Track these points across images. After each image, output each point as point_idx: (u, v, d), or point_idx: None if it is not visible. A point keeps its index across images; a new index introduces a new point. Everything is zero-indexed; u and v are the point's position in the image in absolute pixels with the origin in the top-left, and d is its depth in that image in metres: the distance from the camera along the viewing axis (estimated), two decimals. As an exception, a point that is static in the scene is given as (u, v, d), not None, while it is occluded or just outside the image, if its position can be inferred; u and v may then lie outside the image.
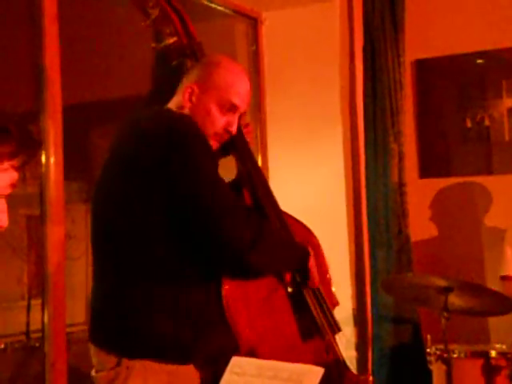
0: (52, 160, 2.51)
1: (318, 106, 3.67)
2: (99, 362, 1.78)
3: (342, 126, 3.65)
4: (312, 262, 2.01)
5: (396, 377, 3.42)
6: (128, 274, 1.77)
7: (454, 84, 3.75)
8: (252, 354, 1.90)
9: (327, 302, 2.13)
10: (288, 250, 1.96)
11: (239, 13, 3.70)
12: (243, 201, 2.01)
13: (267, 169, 3.76)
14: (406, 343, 3.43)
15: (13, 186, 1.05)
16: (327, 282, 2.23)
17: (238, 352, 1.85)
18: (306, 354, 2.05)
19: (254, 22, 3.80)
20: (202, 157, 1.75)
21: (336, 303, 2.22)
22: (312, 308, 2.09)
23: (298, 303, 2.06)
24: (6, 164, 1.02)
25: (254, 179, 2.07)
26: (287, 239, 2.00)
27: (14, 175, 1.04)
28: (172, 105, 1.93)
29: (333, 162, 3.64)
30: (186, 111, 1.88)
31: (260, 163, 3.74)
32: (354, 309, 3.62)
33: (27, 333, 3.56)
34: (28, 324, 3.46)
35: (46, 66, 2.53)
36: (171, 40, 2.03)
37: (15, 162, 1.03)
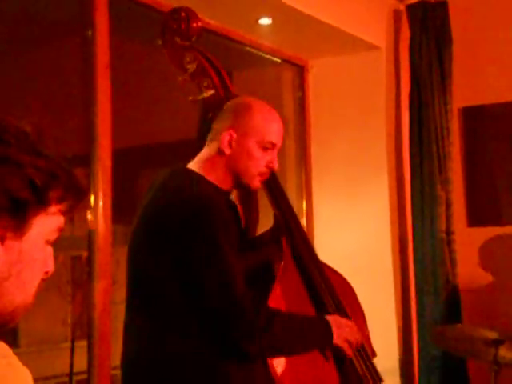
0: (100, 204, 2.55)
1: (364, 154, 3.66)
2: None
3: (388, 173, 3.63)
4: (342, 334, 1.97)
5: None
6: (156, 335, 1.80)
7: (504, 131, 3.70)
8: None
9: (369, 354, 2.09)
10: (302, 336, 1.92)
11: (286, 61, 3.75)
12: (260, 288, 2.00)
13: (312, 217, 3.74)
14: (455, 397, 3.34)
15: (60, 230, 1.06)
16: (366, 334, 2.19)
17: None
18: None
19: (300, 70, 3.84)
20: (221, 246, 1.76)
21: (374, 354, 2.17)
22: (354, 359, 2.05)
23: (341, 355, 2.03)
24: (54, 208, 1.04)
25: (291, 225, 2.08)
26: (302, 324, 1.94)
27: (61, 220, 1.06)
28: (209, 152, 1.94)
29: (379, 210, 3.61)
30: (227, 158, 1.91)
31: (305, 211, 3.74)
32: (400, 360, 3.54)
33: (70, 374, 3.57)
34: (71, 366, 3.48)
35: (98, 112, 2.59)
36: (209, 93, 2.07)
37: (62, 207, 1.05)
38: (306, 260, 2.10)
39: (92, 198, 2.55)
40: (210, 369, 1.78)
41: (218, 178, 1.90)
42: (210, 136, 1.96)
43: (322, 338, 1.94)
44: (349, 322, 2.03)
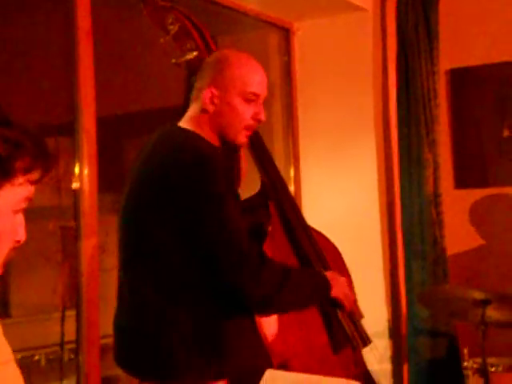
0: (86, 172, 2.53)
1: (351, 117, 3.64)
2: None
3: (376, 136, 3.62)
4: (340, 288, 1.98)
5: (433, 391, 3.37)
6: (154, 295, 1.77)
7: (491, 93, 3.68)
8: (284, 367, 1.88)
9: (357, 314, 2.11)
10: (305, 290, 1.91)
11: (271, 23, 3.70)
12: (261, 240, 1.99)
13: (299, 180, 3.73)
14: (443, 357, 3.37)
15: (28, 199, 1.05)
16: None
17: (270, 366, 1.84)
18: (336, 366, 2.04)
19: (286, 33, 3.79)
20: (224, 198, 1.75)
21: (361, 316, 2.19)
22: (342, 320, 2.06)
23: (328, 315, 2.04)
24: (21, 179, 1.02)
25: (278, 190, 2.08)
26: (306, 276, 1.95)
27: (29, 189, 1.04)
28: (194, 112, 1.91)
29: (366, 173, 3.60)
30: (210, 115, 1.88)
31: (292, 174, 3.73)
32: (389, 321, 3.56)
33: (61, 344, 3.57)
34: (62, 335, 3.47)
35: (80, 79, 2.55)
36: (192, 55, 2.03)
37: (31, 177, 1.03)
38: (293, 223, 2.10)
39: (77, 167, 2.53)
40: (207, 330, 1.76)
41: (206, 135, 1.88)
42: (192, 96, 1.93)
43: (321, 288, 1.94)
44: (345, 279, 2.04)
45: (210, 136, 1.88)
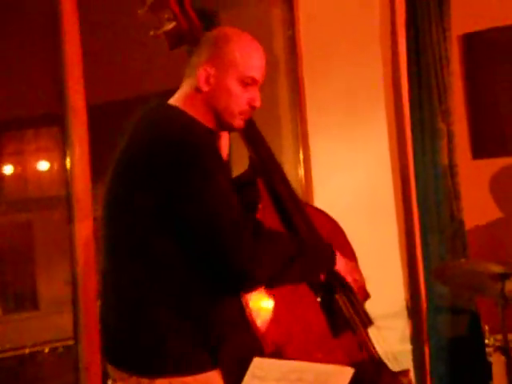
0: (78, 160, 2.45)
1: (360, 88, 3.50)
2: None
3: (386, 107, 3.48)
4: (340, 262, 1.88)
5: (454, 370, 3.25)
6: (137, 283, 1.67)
7: (507, 57, 3.53)
8: (279, 353, 1.77)
9: (357, 296, 1.98)
10: (305, 263, 1.80)
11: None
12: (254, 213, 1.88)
13: (309, 157, 3.61)
14: (464, 334, 3.26)
15: None
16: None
17: (262, 353, 1.73)
18: (338, 351, 1.91)
19: (289, 6, 3.65)
20: (214, 175, 1.65)
21: (367, 296, 2.07)
22: (341, 302, 1.94)
23: (325, 297, 1.92)
24: None
25: (267, 166, 1.95)
26: (304, 249, 1.83)
27: None
28: (187, 89, 1.79)
29: (378, 147, 3.47)
30: (204, 95, 1.76)
31: (301, 151, 3.61)
32: (407, 300, 3.45)
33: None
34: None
35: (67, 65, 2.46)
36: (170, 26, 1.90)
37: None
38: (285, 201, 1.97)
39: (68, 155, 2.45)
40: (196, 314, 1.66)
41: (199, 115, 1.75)
42: (187, 71, 1.81)
43: (324, 259, 1.85)
44: (348, 260, 1.95)
45: (204, 117, 1.76)
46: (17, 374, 3.75)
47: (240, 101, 1.77)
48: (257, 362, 1.33)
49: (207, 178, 1.63)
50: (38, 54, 2.66)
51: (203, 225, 1.63)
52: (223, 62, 1.76)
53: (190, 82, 1.78)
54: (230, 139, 1.92)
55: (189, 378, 1.63)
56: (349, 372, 1.23)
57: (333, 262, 1.87)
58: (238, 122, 1.79)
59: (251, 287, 1.71)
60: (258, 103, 1.80)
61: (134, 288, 1.67)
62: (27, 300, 4.32)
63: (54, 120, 2.57)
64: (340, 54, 3.54)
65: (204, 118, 1.76)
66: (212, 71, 1.75)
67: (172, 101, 1.80)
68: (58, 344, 3.38)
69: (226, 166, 1.76)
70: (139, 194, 1.66)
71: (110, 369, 1.71)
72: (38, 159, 3.83)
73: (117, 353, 1.70)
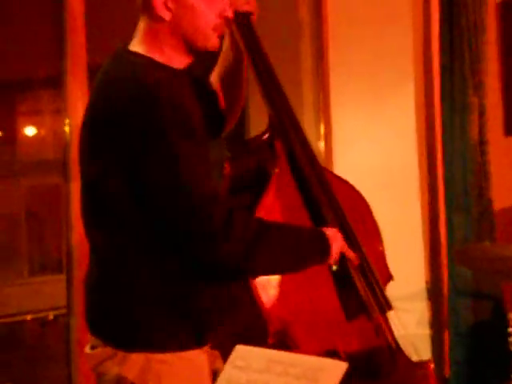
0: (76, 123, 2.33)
1: (388, 57, 3.31)
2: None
3: (415, 77, 3.31)
4: (338, 243, 1.68)
5: (474, 357, 3.13)
6: (113, 251, 1.53)
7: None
8: (284, 334, 1.64)
9: (376, 277, 1.82)
10: (291, 248, 1.58)
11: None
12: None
13: (330, 131, 3.45)
14: (486, 321, 3.13)
15: None
16: (379, 254, 1.92)
17: (265, 331, 1.60)
18: (351, 335, 1.78)
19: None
20: (171, 137, 1.45)
21: (389, 278, 1.92)
22: (357, 283, 1.78)
23: (340, 276, 1.76)
24: None
25: (286, 127, 1.79)
26: (291, 234, 1.61)
27: None
28: (145, 26, 1.57)
29: (404, 119, 3.31)
30: (168, 24, 1.54)
31: (322, 124, 3.44)
32: (427, 282, 3.31)
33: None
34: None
35: (69, 27, 2.36)
36: None
37: None
38: (304, 167, 1.81)
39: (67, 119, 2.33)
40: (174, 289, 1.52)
41: (167, 54, 1.56)
42: (137, 5, 1.58)
43: (317, 250, 1.65)
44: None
45: (172, 53, 1.56)
46: (41, 336, 3.74)
47: (209, 18, 1.55)
48: (239, 349, 1.18)
49: (163, 145, 1.44)
50: (40, 12, 2.54)
51: (161, 201, 1.46)
52: None
53: (148, 15, 1.56)
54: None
55: (168, 355, 1.49)
56: (341, 368, 1.08)
57: (326, 247, 1.64)
58: (214, 42, 1.58)
59: (226, 278, 1.52)
60: (229, 12, 1.57)
61: (111, 254, 1.53)
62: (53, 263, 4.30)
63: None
64: (368, 19, 3.35)
65: (174, 53, 1.56)
66: None
67: (134, 43, 1.58)
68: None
69: (198, 121, 1.53)
70: (100, 161, 1.50)
71: (90, 337, 1.59)
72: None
73: (94, 320, 1.58)
